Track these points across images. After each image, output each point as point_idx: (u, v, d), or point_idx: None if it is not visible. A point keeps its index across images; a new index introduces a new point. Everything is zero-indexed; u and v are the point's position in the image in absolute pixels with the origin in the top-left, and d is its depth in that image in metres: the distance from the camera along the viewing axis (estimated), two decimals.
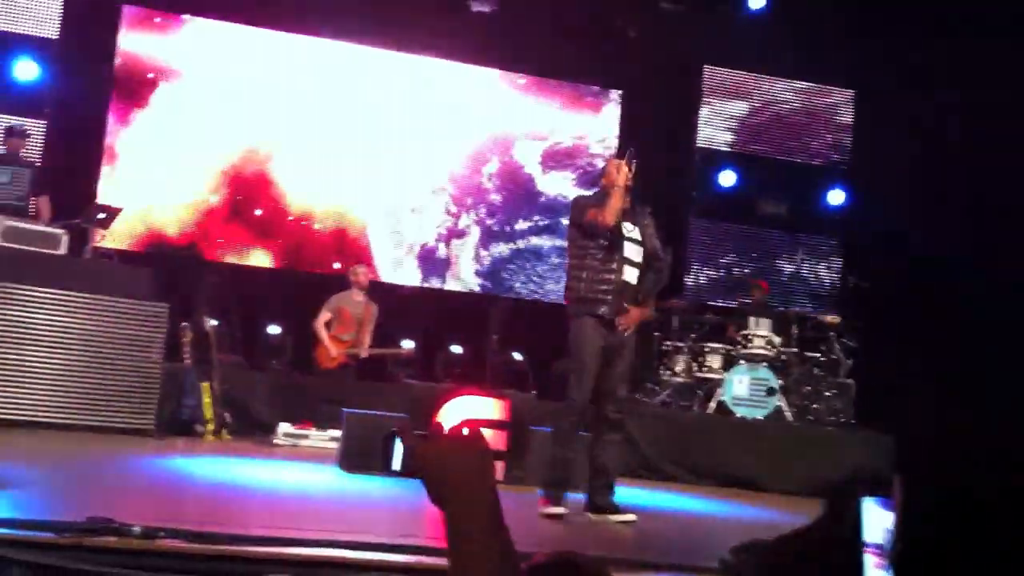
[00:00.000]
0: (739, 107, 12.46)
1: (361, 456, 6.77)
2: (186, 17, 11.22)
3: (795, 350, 9.90)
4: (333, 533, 4.00)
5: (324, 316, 9.31)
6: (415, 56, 11.64)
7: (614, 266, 5.72)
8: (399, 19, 11.08)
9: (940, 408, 0.94)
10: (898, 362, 8.44)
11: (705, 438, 8.66)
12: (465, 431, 1.41)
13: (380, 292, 10.07)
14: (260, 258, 11.23)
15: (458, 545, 1.34)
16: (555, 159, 12.07)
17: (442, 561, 2.41)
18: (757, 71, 12.42)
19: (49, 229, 8.00)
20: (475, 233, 11.79)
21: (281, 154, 11.31)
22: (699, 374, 9.83)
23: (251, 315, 10.22)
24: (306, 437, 8.27)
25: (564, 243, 7.58)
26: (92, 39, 10.80)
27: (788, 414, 9.33)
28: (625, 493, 6.29)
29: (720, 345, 9.87)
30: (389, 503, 5.65)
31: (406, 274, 11.60)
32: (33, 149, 9.84)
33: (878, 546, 1.18)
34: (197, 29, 11.24)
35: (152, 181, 10.92)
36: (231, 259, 11.11)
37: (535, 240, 11.81)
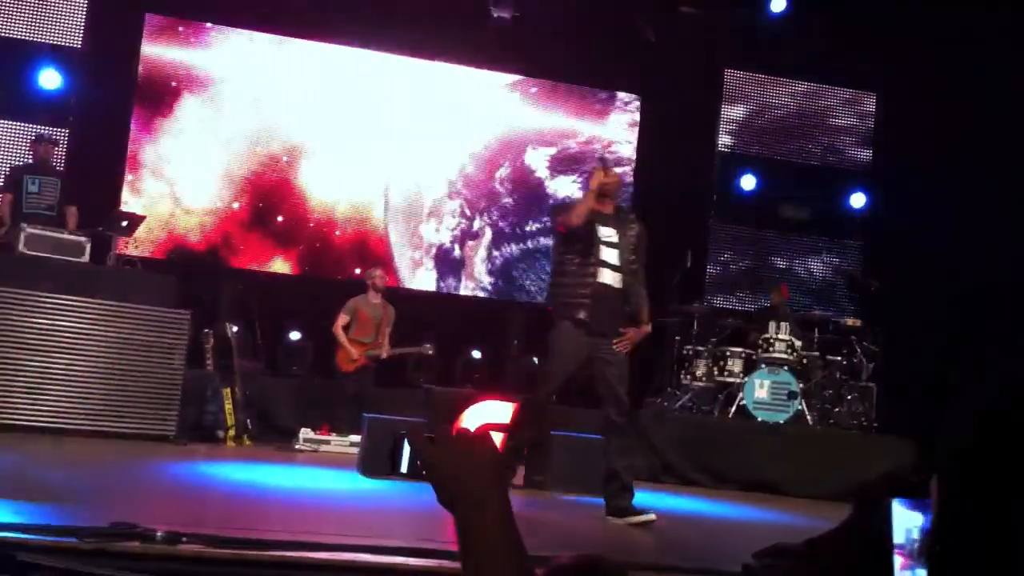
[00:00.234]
0: (760, 110, 12.42)
1: (382, 461, 6.77)
2: (209, 25, 11.29)
3: (816, 353, 9.84)
4: (355, 538, 4.01)
5: (342, 319, 9.34)
6: (432, 63, 11.70)
7: (591, 270, 5.76)
8: (418, 26, 11.12)
9: (980, 408, 0.92)
10: (936, 364, 8.35)
11: (727, 442, 8.63)
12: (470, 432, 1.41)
13: (399, 298, 10.09)
14: (281, 264, 11.29)
15: (469, 547, 1.33)
16: (573, 162, 12.07)
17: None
18: (778, 74, 12.37)
19: (72, 237, 8.06)
20: (488, 235, 11.84)
21: (302, 160, 11.37)
22: (720, 378, 9.78)
23: (272, 321, 10.26)
24: (327, 442, 8.30)
25: None
26: (115, 48, 10.88)
27: (809, 418, 9.28)
28: (647, 497, 6.27)
29: (741, 349, 9.82)
30: (410, 507, 5.65)
31: (424, 275, 11.66)
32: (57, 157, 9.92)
33: (902, 547, 1.18)
34: (220, 37, 11.31)
35: (174, 188, 10.99)
36: (253, 265, 11.17)
37: (543, 240, 11.83)
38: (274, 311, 10.38)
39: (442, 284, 11.72)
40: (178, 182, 11.04)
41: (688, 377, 9.89)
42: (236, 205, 11.21)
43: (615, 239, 5.82)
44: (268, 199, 11.30)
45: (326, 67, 11.52)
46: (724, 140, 12.35)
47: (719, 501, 7.58)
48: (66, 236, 8.05)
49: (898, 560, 1.20)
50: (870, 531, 1.27)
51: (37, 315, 7.36)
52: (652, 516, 5.64)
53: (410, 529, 4.93)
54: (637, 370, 8.89)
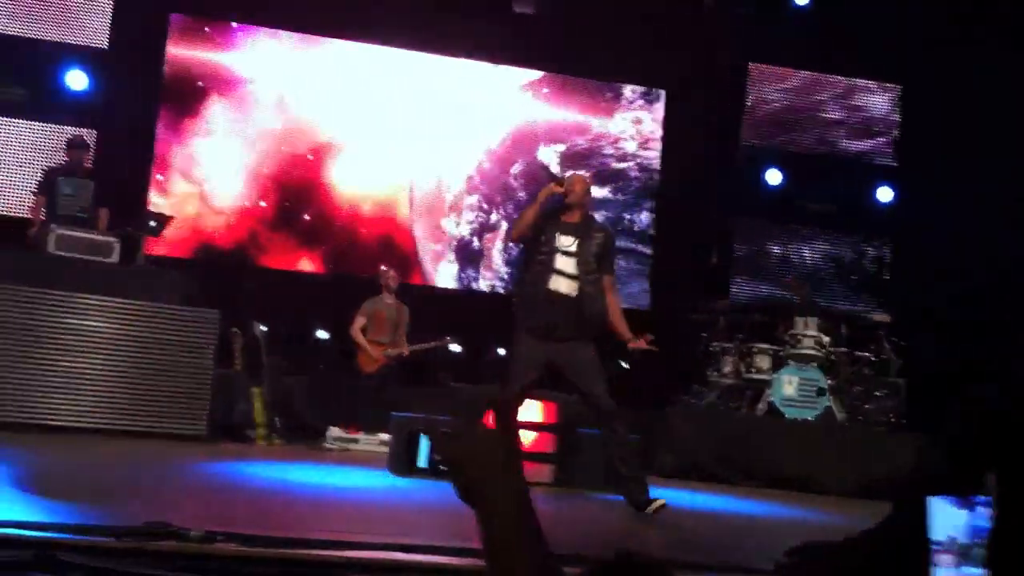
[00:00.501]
0: (785, 104, 12.35)
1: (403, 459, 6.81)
2: (235, 25, 11.35)
3: (844, 350, 9.76)
4: (386, 536, 4.02)
5: (359, 322, 9.37)
6: (455, 59, 11.72)
7: (547, 277, 5.83)
8: (441, 23, 11.14)
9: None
10: (962, 360, 8.28)
11: (755, 439, 8.60)
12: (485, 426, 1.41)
13: (424, 297, 10.12)
14: (308, 263, 11.34)
15: (490, 542, 1.33)
16: (590, 158, 12.06)
17: None
18: (803, 67, 12.31)
19: (102, 237, 8.11)
20: (504, 228, 11.89)
21: (327, 159, 11.42)
22: (747, 375, 9.73)
23: (301, 320, 10.31)
24: (356, 441, 8.32)
25: None
26: (141, 49, 10.94)
27: (838, 415, 9.22)
28: (675, 495, 6.27)
29: (768, 346, 9.75)
30: (440, 506, 5.65)
31: (446, 268, 11.72)
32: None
33: (941, 544, 1.17)
34: (246, 37, 11.36)
35: (202, 189, 11.06)
36: (280, 264, 11.22)
37: None
38: (303, 309, 10.42)
39: (463, 275, 11.79)
40: (205, 182, 11.11)
41: (715, 374, 9.86)
42: (263, 204, 11.27)
43: (574, 248, 5.87)
44: (295, 198, 11.36)
45: (351, 65, 11.56)
46: (748, 134, 12.30)
47: (748, 499, 7.55)
48: (95, 236, 8.09)
49: (942, 559, 1.19)
50: (910, 529, 1.27)
51: (67, 315, 7.42)
52: (662, 501, 5.72)
53: (442, 527, 4.94)
54: (664, 367, 8.93)
